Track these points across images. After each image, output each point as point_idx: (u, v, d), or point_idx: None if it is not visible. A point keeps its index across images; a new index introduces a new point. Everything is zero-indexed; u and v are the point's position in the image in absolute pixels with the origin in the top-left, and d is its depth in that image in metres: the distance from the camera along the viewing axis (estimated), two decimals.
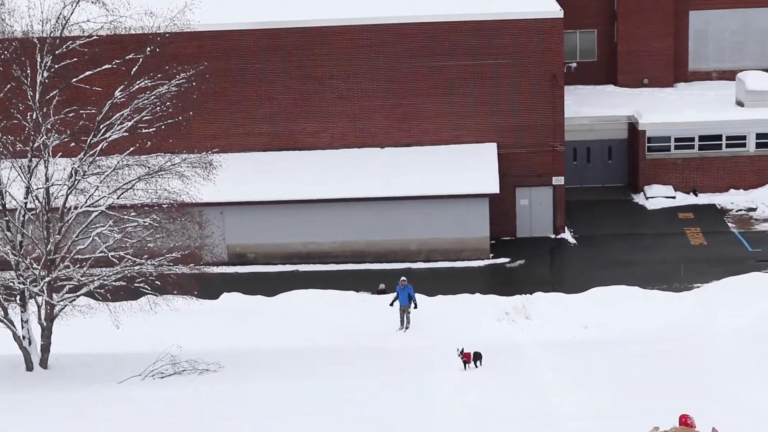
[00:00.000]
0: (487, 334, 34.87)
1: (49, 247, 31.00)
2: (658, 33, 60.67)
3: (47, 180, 31.33)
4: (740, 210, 51.31)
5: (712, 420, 18.83)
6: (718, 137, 52.98)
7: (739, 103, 55.10)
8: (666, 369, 29.17)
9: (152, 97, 32.46)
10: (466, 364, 31.01)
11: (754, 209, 51.48)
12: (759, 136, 52.75)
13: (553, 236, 49.51)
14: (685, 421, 18.52)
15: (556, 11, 48.27)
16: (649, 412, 22.56)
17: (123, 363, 31.84)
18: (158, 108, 32.78)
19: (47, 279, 30.91)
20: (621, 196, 54.70)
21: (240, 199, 44.85)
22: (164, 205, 32.22)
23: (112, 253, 31.64)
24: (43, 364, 32.02)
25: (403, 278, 38.39)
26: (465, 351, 30.98)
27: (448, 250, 46.53)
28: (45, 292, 31.05)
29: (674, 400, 23.14)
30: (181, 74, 33.32)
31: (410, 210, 46.28)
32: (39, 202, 31.29)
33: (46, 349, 32.09)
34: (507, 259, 47.00)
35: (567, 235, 49.55)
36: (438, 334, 35.24)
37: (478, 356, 31.17)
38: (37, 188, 31.38)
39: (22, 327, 31.45)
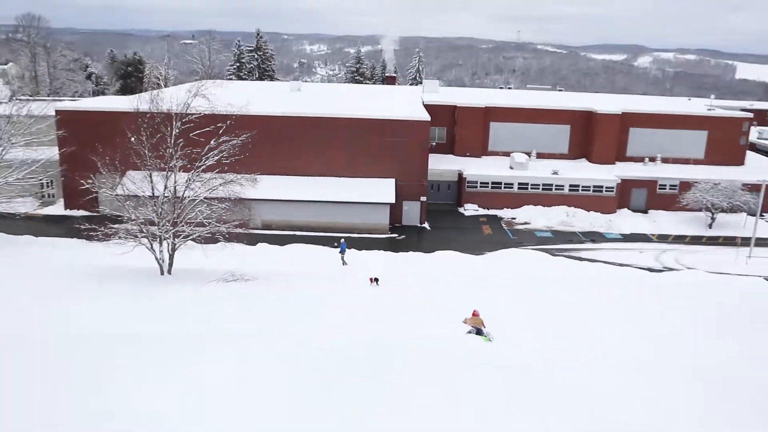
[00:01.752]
0: (385, 271, 40.61)
1: (173, 215, 38.15)
2: (474, 131, 72.74)
3: (174, 182, 38.39)
4: (508, 218, 63.00)
5: (487, 314, 28.03)
6: (500, 183, 64.92)
7: (511, 167, 67.58)
8: (466, 289, 36.22)
9: (228, 145, 39.83)
10: (372, 282, 38.58)
11: (514, 218, 62.66)
12: (519, 184, 64.52)
13: (419, 225, 59.18)
14: (475, 313, 28.57)
15: (426, 117, 58.81)
16: (457, 307, 30.27)
17: (208, 274, 37.47)
18: (231, 150, 39.92)
19: (172, 231, 38.18)
20: (453, 208, 65.71)
21: (269, 197, 53.38)
22: (231, 198, 39.17)
23: (205, 220, 38.63)
24: (169, 272, 38.78)
25: (342, 239, 46.71)
26: (371, 276, 39.02)
27: (368, 228, 55.72)
28: (171, 237, 38.44)
29: (469, 304, 29.85)
30: (243, 135, 40.57)
31: (352, 207, 55.32)
32: (170, 192, 38.24)
33: (170, 264, 38.93)
34: (396, 235, 55.94)
35: (426, 225, 59.43)
36: (359, 268, 42.18)
37: (376, 279, 38.63)
38: (169, 187, 38.14)
39: (159, 253, 38.46)
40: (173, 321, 26.24)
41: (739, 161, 75.24)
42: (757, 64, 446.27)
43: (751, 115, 79.58)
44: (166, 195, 38.31)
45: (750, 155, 79.40)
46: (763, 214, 62.75)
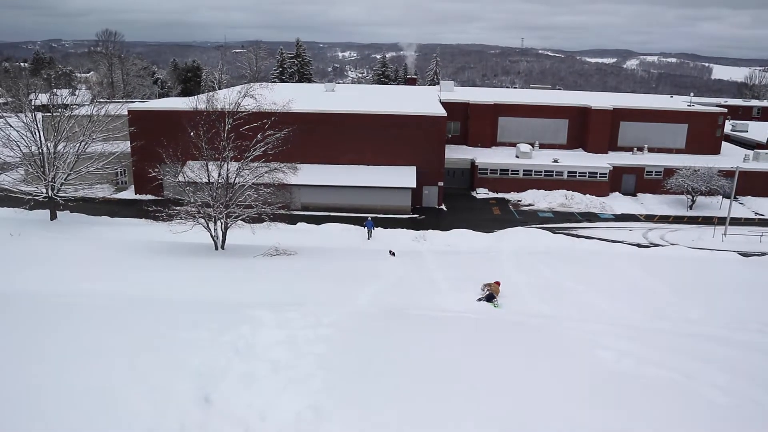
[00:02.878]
0: (407, 246, 42.43)
1: (226, 198, 38.50)
2: (485, 125, 71.56)
3: (227, 171, 38.73)
4: (515, 201, 62.11)
5: (503, 284, 28.76)
6: (507, 170, 63.99)
7: (517, 156, 66.67)
8: (481, 262, 36.82)
9: (272, 138, 40.17)
10: (392, 255, 38.83)
11: (520, 201, 61.77)
12: (524, 171, 63.53)
13: (437, 207, 58.30)
14: (497, 282, 28.92)
15: (443, 113, 58.03)
16: (477, 278, 30.55)
17: (255, 249, 38.11)
18: (275, 143, 40.31)
19: (225, 212, 38.58)
20: (466, 192, 64.79)
21: (307, 183, 52.64)
22: (275, 184, 39.62)
23: (252, 202, 38.92)
24: (222, 247, 39.20)
25: (369, 218, 46.74)
26: (391, 251, 39.39)
27: (393, 209, 55.00)
28: (224, 217, 38.81)
29: (487, 275, 31.13)
30: (285, 129, 40.80)
31: (379, 191, 54.60)
32: (223, 179, 38.56)
33: (223, 241, 39.35)
34: (417, 215, 55.25)
35: (443, 207, 58.53)
36: (384, 244, 42.50)
37: (393, 253, 38.89)
38: (222, 174, 38.56)
39: (214, 231, 38.89)
40: (227, 288, 26.24)
41: (716, 151, 73.90)
42: (730, 66, 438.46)
43: (725, 110, 78.22)
44: (219, 181, 38.55)
45: (725, 145, 78.35)
46: (737, 196, 61.56)
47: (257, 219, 39.55)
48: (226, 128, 38.89)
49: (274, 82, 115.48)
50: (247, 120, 40.11)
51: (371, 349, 15.68)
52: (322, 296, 25.06)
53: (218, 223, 39.08)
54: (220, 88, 40.45)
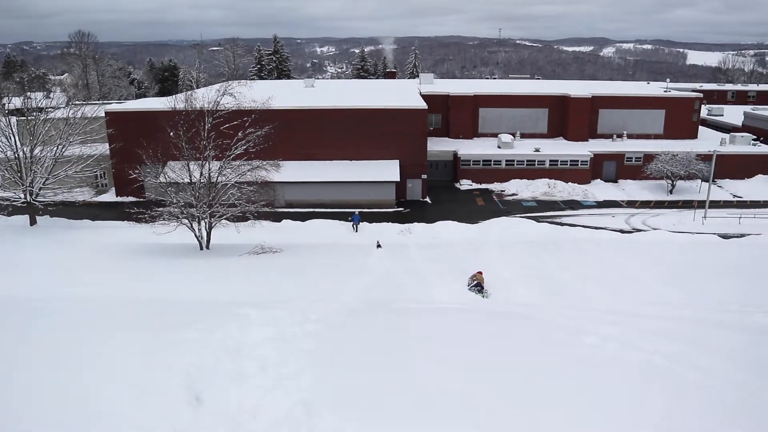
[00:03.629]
0: (392, 239, 42.50)
1: (209, 198, 38.32)
2: (466, 116, 71.87)
3: (209, 170, 38.60)
4: (498, 191, 62.28)
5: (486, 274, 28.83)
6: (490, 160, 64.16)
7: (498, 147, 66.92)
8: (467, 254, 36.85)
9: (254, 136, 40.03)
10: (378, 248, 39.05)
11: (503, 191, 61.92)
12: (507, 161, 63.92)
13: (421, 200, 58.37)
14: (479, 272, 29.09)
15: (423, 105, 57.84)
16: (463, 270, 30.82)
17: (240, 248, 37.95)
18: (256, 141, 40.23)
19: (208, 212, 38.44)
20: (450, 184, 64.75)
21: (290, 180, 52.66)
22: (258, 182, 39.59)
23: (236, 201, 38.82)
24: (207, 247, 39.08)
25: (356, 212, 46.72)
26: (378, 243, 39.63)
27: (378, 203, 55.00)
28: (207, 217, 38.64)
29: (473, 266, 31.22)
30: (265, 127, 40.79)
31: (363, 186, 54.57)
32: (205, 179, 38.41)
33: (208, 241, 39.22)
34: (402, 209, 55.27)
35: (427, 199, 58.60)
36: (370, 237, 42.71)
37: (379, 245, 39.16)
38: (204, 174, 38.39)
39: (198, 231, 38.75)
40: (214, 288, 26.13)
41: (693, 135, 74.54)
42: (705, 51, 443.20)
43: (701, 95, 78.87)
44: (202, 181, 38.35)
45: (702, 130, 79.04)
46: (715, 180, 62.14)
47: (241, 218, 39.49)
48: (206, 127, 38.69)
49: (253, 79, 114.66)
50: (228, 118, 40.00)
51: (360, 344, 15.72)
52: (308, 293, 25.05)
53: (202, 223, 38.92)
54: (198, 87, 40.08)
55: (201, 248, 38.87)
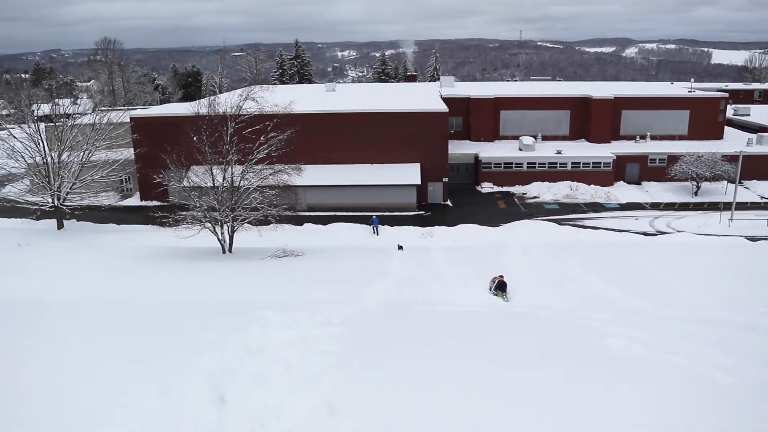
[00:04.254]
0: (414, 243, 42.29)
1: (231, 202, 38.30)
2: (487, 119, 71.56)
3: (231, 174, 38.51)
4: (520, 194, 61.47)
5: (507, 277, 28.82)
6: (511, 163, 63.88)
7: (520, 149, 66.32)
8: (488, 257, 36.67)
9: (276, 140, 39.97)
10: (400, 250, 39.34)
11: (525, 193, 61.24)
12: (528, 163, 63.52)
13: (443, 203, 58.06)
14: (501, 276, 29.04)
15: (444, 108, 57.78)
16: (484, 273, 30.55)
17: (262, 252, 37.97)
18: (278, 145, 40.09)
19: (231, 215, 38.42)
20: (471, 187, 64.23)
21: (312, 183, 52.77)
22: (280, 185, 39.57)
23: (258, 205, 38.72)
24: (230, 250, 39.17)
25: (374, 215, 46.99)
26: (400, 246, 39.79)
27: (399, 206, 54.82)
28: (230, 221, 38.70)
29: (495, 269, 30.69)
30: (287, 131, 40.68)
31: (384, 189, 54.54)
32: (228, 183, 38.36)
33: (230, 244, 39.31)
34: (423, 212, 55.01)
35: (449, 202, 58.18)
36: (392, 240, 42.54)
37: (401, 247, 39.45)
38: (227, 178, 38.30)
39: (221, 234, 38.85)
40: (236, 291, 26.32)
41: (719, 136, 73.40)
42: (729, 50, 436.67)
43: (726, 95, 77.71)
44: (224, 185, 38.45)
45: (728, 130, 77.54)
46: (742, 181, 61.11)
47: (263, 221, 39.31)
48: (229, 132, 38.82)
49: (275, 84, 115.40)
50: (250, 123, 40.10)
51: (381, 346, 15.90)
52: (330, 295, 25.17)
53: (225, 227, 39.09)
54: (221, 92, 40.55)
55: (224, 252, 38.94)
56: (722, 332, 18.10)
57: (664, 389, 12.50)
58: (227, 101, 40.04)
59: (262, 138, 40.13)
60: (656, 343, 16.11)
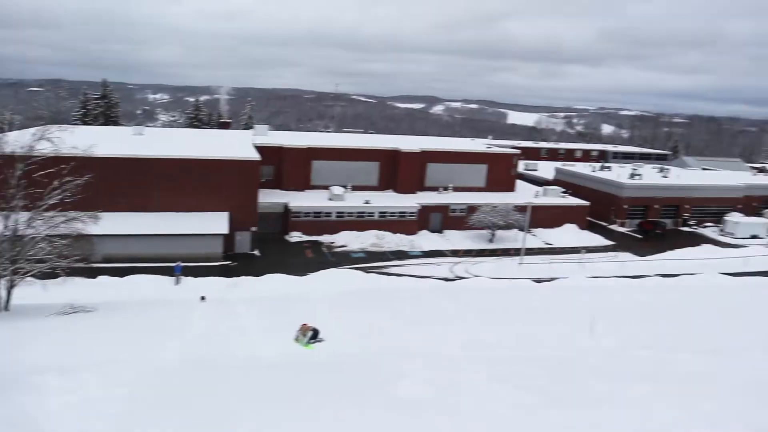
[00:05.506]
0: (218, 294, 40.24)
1: (13, 253, 34.81)
2: (299, 168, 73.16)
3: (15, 221, 34.99)
4: (328, 243, 63.42)
5: (313, 324, 28.96)
6: (320, 212, 65.85)
7: (330, 199, 68.55)
8: (294, 306, 35.91)
9: (72, 185, 37.11)
10: (203, 301, 37.20)
11: (333, 242, 62.91)
12: (337, 213, 65.76)
13: (250, 252, 57.86)
14: (304, 324, 28.23)
15: (257, 157, 58.49)
16: (289, 322, 29.02)
17: (47, 308, 34.33)
18: (74, 189, 37.15)
19: (11, 268, 34.79)
20: (280, 236, 64.79)
21: (109, 232, 48.55)
22: (73, 234, 36.56)
23: (45, 256, 35.31)
24: (6, 308, 35.26)
25: (179, 262, 45.04)
26: (203, 297, 37.80)
27: (204, 256, 53.61)
28: (9, 274, 34.92)
29: (300, 319, 29.22)
30: (87, 175, 38.19)
31: (188, 239, 53.13)
32: (10, 231, 34.81)
33: (8, 301, 35.46)
34: (229, 262, 54.52)
35: (256, 252, 58.26)
36: (195, 291, 40.15)
37: (203, 298, 37.31)
38: (9, 226, 34.80)
39: None
40: (11, 356, 23.70)
41: (511, 188, 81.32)
42: (523, 112, 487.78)
43: (519, 151, 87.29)
44: (5, 234, 34.85)
45: (519, 183, 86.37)
46: (530, 229, 67.78)
47: (51, 274, 36.18)
48: (17, 174, 35.47)
49: (76, 124, 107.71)
50: (43, 165, 36.82)
51: (175, 407, 15.11)
52: (122, 353, 23.48)
53: (1, 282, 35.17)
54: (10, 130, 36.93)
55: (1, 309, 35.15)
56: (516, 368, 19.34)
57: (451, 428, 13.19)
58: (17, 141, 36.43)
59: (56, 182, 37.10)
60: (452, 384, 16.85)
